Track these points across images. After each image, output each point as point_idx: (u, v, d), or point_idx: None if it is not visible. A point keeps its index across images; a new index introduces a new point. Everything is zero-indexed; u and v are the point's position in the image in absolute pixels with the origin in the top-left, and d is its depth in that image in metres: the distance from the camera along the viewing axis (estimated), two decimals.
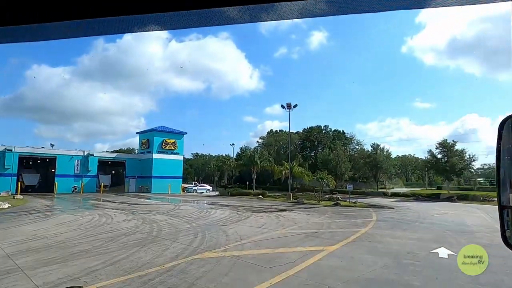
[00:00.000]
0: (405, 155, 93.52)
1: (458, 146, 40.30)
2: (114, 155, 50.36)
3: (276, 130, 78.60)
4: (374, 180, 49.12)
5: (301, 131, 67.24)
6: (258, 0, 0.96)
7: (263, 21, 1.11)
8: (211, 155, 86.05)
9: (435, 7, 1.04)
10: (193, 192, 53.65)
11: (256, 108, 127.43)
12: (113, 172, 54.46)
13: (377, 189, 48.23)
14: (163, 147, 51.49)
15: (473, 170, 40.95)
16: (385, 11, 1.04)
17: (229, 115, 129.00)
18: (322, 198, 34.25)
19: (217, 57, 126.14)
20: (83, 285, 2.45)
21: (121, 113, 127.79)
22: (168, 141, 51.94)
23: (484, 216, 22.32)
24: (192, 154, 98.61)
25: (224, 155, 77.01)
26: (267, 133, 79.10)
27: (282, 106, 39.05)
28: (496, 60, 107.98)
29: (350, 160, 55.58)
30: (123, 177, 51.13)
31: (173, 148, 52.31)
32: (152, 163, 49.74)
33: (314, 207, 28.26)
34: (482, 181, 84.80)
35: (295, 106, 38.89)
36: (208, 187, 57.06)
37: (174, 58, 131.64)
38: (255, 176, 47.29)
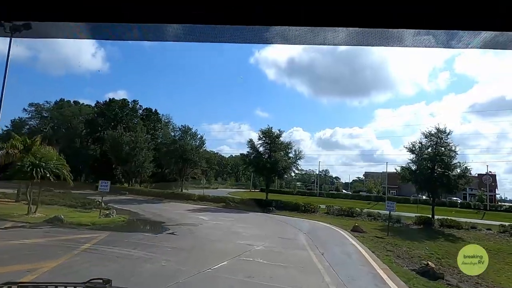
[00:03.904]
0: (238, 155, 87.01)
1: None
2: None
3: (69, 101, 55.58)
4: (179, 176, 35.04)
5: (100, 103, 47.29)
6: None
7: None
8: None
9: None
10: None
11: (97, 92, 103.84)
12: None
13: (181, 190, 34.42)
14: None
15: (297, 170, 32.63)
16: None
17: (62, 94, 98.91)
18: (34, 207, 16.68)
19: None
20: (112, 280, 1.69)
21: None
22: None
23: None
24: None
25: None
26: (54, 103, 54.95)
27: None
28: (320, 85, 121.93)
29: (158, 148, 40.08)
30: None
31: None
32: None
33: None
34: (299, 185, 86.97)
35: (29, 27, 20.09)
36: None
37: None
38: None
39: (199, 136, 34.24)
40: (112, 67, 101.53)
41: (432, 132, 24.04)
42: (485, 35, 0.99)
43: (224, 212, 23.94)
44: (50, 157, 16.92)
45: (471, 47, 1.05)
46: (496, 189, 62.93)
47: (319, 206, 27.06)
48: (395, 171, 28.94)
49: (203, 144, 34.88)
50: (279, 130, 30.11)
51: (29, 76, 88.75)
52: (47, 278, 6.72)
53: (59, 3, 0.99)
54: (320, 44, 1.10)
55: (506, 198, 76.05)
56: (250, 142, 30.23)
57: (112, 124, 41.62)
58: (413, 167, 24.66)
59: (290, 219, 22.07)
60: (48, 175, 15.67)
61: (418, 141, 24.78)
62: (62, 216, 14.79)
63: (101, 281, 1.68)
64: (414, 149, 24.70)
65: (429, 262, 9.87)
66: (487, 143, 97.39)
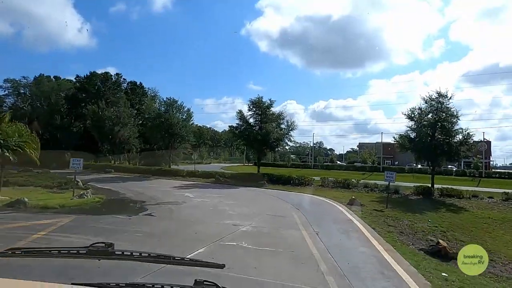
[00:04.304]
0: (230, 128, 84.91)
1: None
2: None
3: (49, 76, 52.51)
4: (167, 152, 33.36)
5: (80, 77, 44.43)
6: None
7: None
8: None
9: None
10: None
11: (85, 69, 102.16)
12: None
13: (170, 166, 32.89)
14: None
15: (290, 142, 31.01)
16: None
17: (46, 71, 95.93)
18: None
19: None
20: (113, 243, 1.67)
21: None
22: None
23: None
24: None
25: None
26: (34, 79, 51.86)
27: None
28: (313, 56, 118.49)
29: (144, 124, 38.03)
30: None
31: None
32: None
33: None
34: (294, 157, 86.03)
35: None
36: None
37: None
38: None
39: (185, 109, 32.23)
40: (100, 43, 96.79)
41: (433, 97, 22.42)
42: None
43: (213, 188, 22.56)
44: (11, 134, 15.03)
45: None
46: (490, 156, 62.60)
47: (313, 179, 25.79)
48: (392, 140, 27.71)
49: (191, 118, 32.95)
50: (270, 99, 28.23)
51: (11, 55, 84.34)
52: None
53: None
54: None
55: (497, 164, 76.20)
56: (239, 113, 28.39)
57: (95, 99, 39.22)
58: (412, 135, 23.23)
59: (283, 193, 20.78)
60: (6, 153, 13.90)
61: (417, 107, 23.20)
62: (26, 199, 13.16)
63: (103, 244, 1.60)
64: (413, 115, 23.14)
65: (440, 241, 8.56)
66: (479, 111, 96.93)
